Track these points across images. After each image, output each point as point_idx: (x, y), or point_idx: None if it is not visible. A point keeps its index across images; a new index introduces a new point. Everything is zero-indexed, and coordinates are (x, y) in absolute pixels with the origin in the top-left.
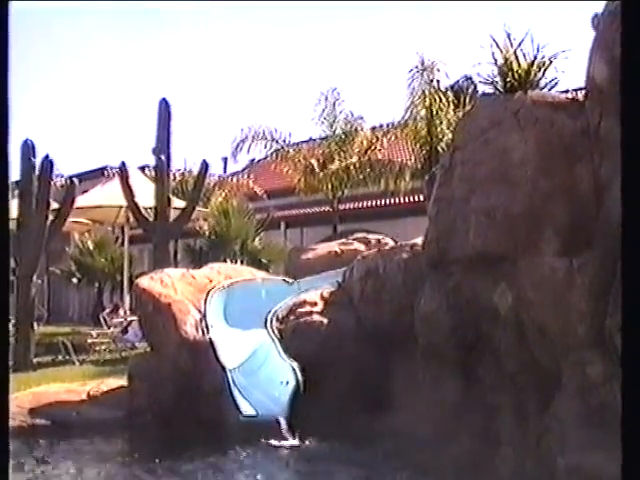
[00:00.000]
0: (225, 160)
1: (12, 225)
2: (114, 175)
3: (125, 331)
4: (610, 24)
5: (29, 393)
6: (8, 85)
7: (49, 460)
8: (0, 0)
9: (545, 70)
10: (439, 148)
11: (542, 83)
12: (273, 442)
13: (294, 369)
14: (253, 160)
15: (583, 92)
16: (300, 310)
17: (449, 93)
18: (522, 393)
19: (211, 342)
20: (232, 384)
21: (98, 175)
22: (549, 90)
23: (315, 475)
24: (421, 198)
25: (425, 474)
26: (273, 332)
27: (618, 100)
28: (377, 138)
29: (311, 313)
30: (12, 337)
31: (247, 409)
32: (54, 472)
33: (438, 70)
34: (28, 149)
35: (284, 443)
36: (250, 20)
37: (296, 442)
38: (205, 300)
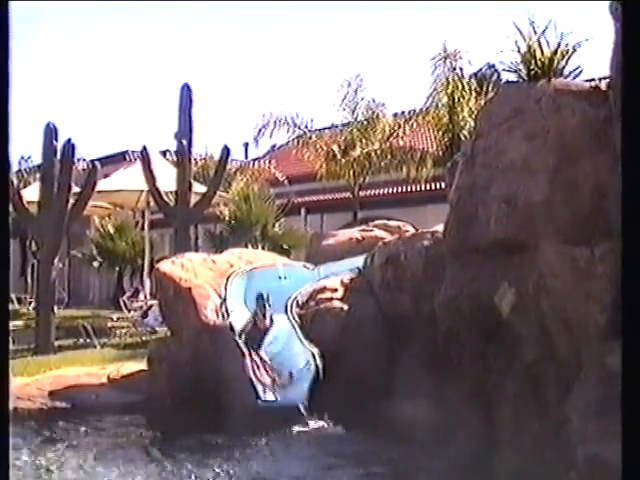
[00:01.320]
0: (247, 145)
1: (34, 208)
2: (136, 159)
3: (145, 315)
4: None
5: (49, 376)
6: (9, 84)
7: (68, 442)
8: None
9: (568, 58)
10: (461, 135)
11: (565, 71)
12: (292, 428)
13: (314, 355)
14: (274, 146)
15: (606, 81)
16: (320, 296)
17: (472, 81)
18: (541, 382)
19: (231, 327)
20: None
21: (120, 159)
22: (573, 79)
23: (333, 464)
24: (442, 185)
25: (443, 461)
26: (293, 318)
27: None
28: (399, 125)
29: (331, 299)
30: (33, 320)
31: (266, 394)
32: (72, 454)
33: (461, 58)
34: (50, 132)
35: (303, 429)
36: (273, 5)
37: (315, 428)
38: (225, 285)
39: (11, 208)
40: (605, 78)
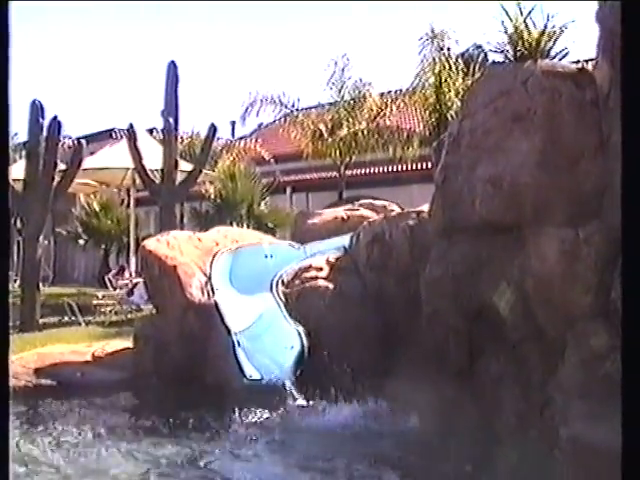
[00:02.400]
0: (233, 124)
1: (19, 186)
2: (122, 137)
3: (130, 293)
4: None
5: (34, 353)
6: (9, 84)
7: (53, 420)
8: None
9: (555, 40)
10: (448, 116)
11: (552, 53)
12: (276, 405)
13: (299, 333)
14: (261, 124)
15: (593, 63)
16: (306, 275)
17: (459, 61)
18: (526, 363)
19: (216, 305)
20: (237, 347)
21: (106, 137)
22: (559, 60)
23: (316, 441)
24: (429, 165)
25: (426, 440)
26: (278, 296)
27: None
28: (386, 105)
29: (317, 278)
30: (18, 297)
31: (252, 373)
32: (58, 431)
33: (448, 38)
34: (36, 110)
35: (288, 407)
36: None
37: (300, 407)
38: (211, 263)
39: None
40: (591, 60)
